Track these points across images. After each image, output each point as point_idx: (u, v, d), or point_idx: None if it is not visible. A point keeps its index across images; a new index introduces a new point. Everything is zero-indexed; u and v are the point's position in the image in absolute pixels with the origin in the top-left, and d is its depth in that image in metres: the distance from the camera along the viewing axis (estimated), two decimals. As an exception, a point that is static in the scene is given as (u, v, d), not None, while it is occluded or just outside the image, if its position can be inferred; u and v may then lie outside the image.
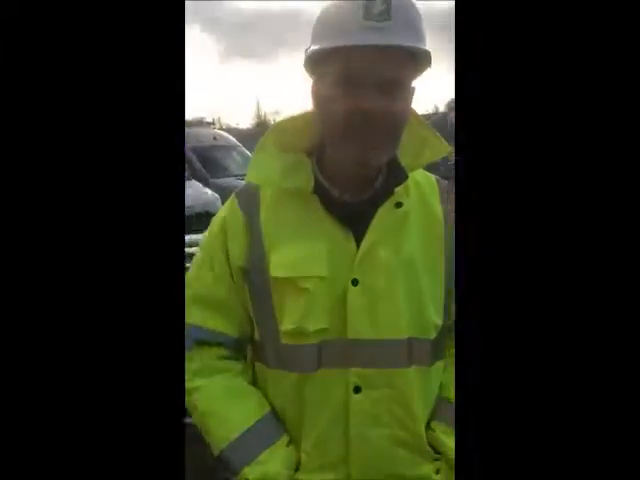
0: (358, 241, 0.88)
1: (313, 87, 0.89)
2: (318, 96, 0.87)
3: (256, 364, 0.98)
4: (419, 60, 0.84)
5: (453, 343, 0.98)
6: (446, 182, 0.99)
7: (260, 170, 0.92)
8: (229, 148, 9.43)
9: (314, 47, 0.83)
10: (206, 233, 0.99)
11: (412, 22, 0.81)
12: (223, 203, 1.00)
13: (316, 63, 0.86)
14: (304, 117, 0.94)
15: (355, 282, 0.87)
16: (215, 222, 0.96)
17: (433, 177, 0.99)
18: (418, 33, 0.82)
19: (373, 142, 0.83)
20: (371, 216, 0.88)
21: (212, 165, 8.51)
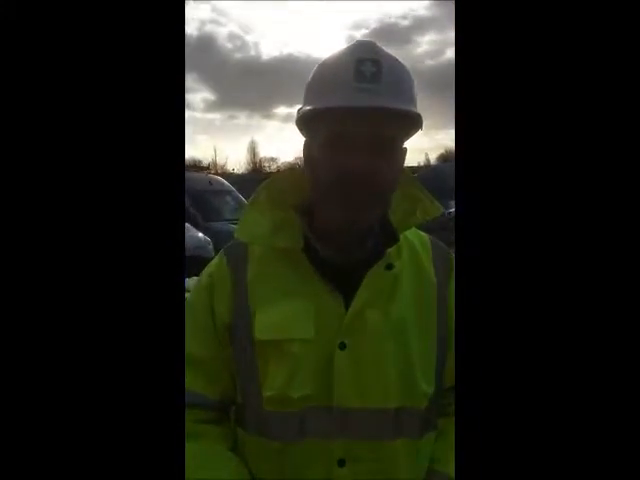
0: (347, 303, 0.85)
1: (304, 146, 0.88)
2: (309, 155, 0.87)
3: (237, 429, 0.92)
4: (409, 122, 0.83)
5: (447, 410, 0.93)
6: (444, 246, 0.97)
7: (249, 227, 0.89)
8: (223, 193, 9.50)
9: (306, 107, 0.83)
10: (194, 284, 0.95)
11: (402, 85, 0.81)
12: (215, 247, 0.98)
13: (308, 123, 0.85)
14: (296, 173, 0.92)
15: (343, 346, 0.83)
16: (202, 279, 0.93)
17: (426, 236, 0.97)
18: (408, 95, 0.82)
19: (362, 202, 0.81)
20: (361, 277, 0.85)
21: (206, 209, 8.55)
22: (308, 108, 0.82)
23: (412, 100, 0.82)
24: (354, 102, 0.78)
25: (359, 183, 0.79)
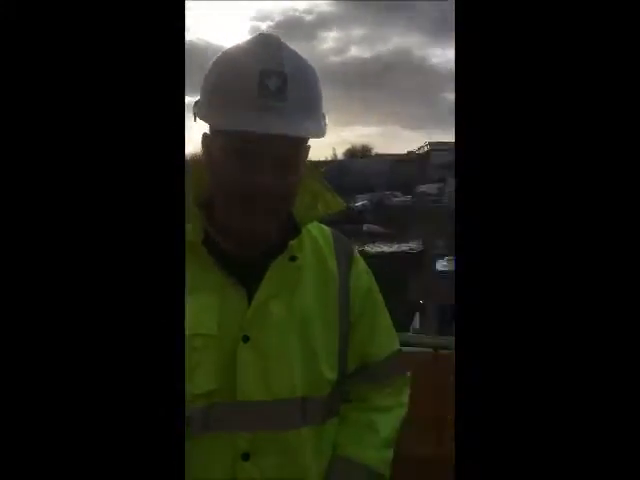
0: (250, 295, 0.85)
1: (205, 140, 0.86)
2: (209, 151, 0.84)
3: None
4: (314, 136, 0.83)
5: (348, 396, 0.96)
6: (346, 239, 0.99)
7: None
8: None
9: (206, 113, 0.81)
10: None
11: (308, 98, 0.81)
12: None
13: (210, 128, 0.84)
14: (194, 163, 0.89)
15: (246, 339, 0.83)
16: None
17: (328, 229, 0.99)
18: (314, 108, 0.82)
19: (263, 216, 0.82)
20: (264, 270, 0.86)
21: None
22: (210, 120, 0.81)
23: (318, 113, 0.82)
24: (259, 126, 0.76)
25: (261, 201, 0.80)
